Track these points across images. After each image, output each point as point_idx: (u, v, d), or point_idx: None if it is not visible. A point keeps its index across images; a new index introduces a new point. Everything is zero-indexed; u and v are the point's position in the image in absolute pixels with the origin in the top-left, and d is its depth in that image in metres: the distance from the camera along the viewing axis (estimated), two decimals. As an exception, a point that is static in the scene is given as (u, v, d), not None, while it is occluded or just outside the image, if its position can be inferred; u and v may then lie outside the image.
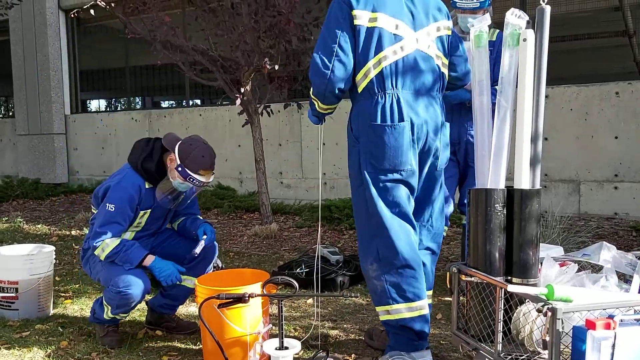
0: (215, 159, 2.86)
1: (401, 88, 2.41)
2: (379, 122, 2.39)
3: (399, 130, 2.38)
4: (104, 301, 2.92)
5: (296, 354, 2.10)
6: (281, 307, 2.15)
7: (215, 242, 3.08)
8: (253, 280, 2.82)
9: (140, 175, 2.88)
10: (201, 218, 3.20)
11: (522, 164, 2.09)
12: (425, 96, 2.46)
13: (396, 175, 2.41)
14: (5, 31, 10.08)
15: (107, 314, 2.91)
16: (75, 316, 3.47)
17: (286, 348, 2.09)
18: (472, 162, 3.72)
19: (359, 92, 2.46)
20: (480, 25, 2.32)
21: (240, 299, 2.28)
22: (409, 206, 2.48)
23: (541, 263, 2.15)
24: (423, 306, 2.47)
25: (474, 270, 2.08)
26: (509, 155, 2.17)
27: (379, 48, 2.39)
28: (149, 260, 2.82)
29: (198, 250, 2.92)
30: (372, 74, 2.40)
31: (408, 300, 2.44)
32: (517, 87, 2.13)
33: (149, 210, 2.96)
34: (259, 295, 2.39)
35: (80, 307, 3.60)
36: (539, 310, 1.72)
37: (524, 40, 2.09)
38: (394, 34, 2.40)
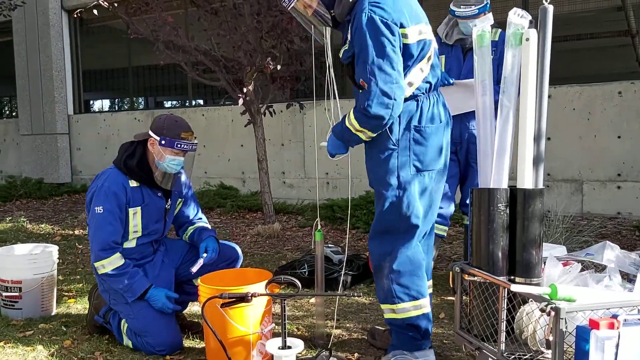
0: (188, 124, 2.93)
1: (435, 90, 2.48)
2: (424, 124, 2.41)
3: (440, 130, 2.44)
4: (124, 333, 2.95)
5: (299, 353, 2.10)
6: (284, 306, 2.15)
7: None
8: (256, 279, 2.82)
9: (123, 172, 2.91)
10: (208, 227, 3.19)
11: (525, 163, 2.08)
12: (441, 95, 2.55)
13: (435, 175, 2.47)
14: (9, 32, 10.10)
15: (125, 342, 2.95)
16: (78, 315, 3.47)
17: (289, 347, 2.09)
18: (473, 162, 3.72)
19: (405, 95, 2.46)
20: (482, 25, 2.32)
21: (243, 299, 2.29)
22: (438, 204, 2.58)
23: (544, 263, 2.15)
24: (427, 304, 2.50)
25: (477, 269, 2.08)
26: (511, 154, 2.17)
27: (422, 57, 2.39)
28: (145, 293, 2.85)
29: (195, 268, 2.93)
30: (418, 82, 2.40)
31: (413, 298, 2.47)
32: (519, 86, 2.12)
33: (139, 208, 2.94)
34: (261, 295, 2.39)
35: (83, 307, 3.61)
36: (542, 310, 1.72)
37: (527, 39, 2.09)
38: (429, 40, 2.42)
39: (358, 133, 2.39)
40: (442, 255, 4.66)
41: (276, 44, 5.44)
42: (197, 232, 3.14)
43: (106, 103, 10.67)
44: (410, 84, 2.38)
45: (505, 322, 1.95)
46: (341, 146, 2.55)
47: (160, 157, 2.87)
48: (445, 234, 3.87)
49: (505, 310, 1.94)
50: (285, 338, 2.09)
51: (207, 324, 2.36)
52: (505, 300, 1.94)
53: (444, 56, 3.75)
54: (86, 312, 3.34)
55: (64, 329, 3.21)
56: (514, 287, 1.82)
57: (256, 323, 2.64)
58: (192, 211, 3.22)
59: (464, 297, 2.25)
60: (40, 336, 3.12)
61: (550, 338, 1.70)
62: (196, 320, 3.24)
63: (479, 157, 2.21)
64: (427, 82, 2.42)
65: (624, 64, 6.09)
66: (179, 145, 2.83)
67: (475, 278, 2.09)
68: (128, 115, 9.13)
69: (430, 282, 2.72)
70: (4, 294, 3.42)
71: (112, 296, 2.95)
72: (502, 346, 1.94)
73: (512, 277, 2.09)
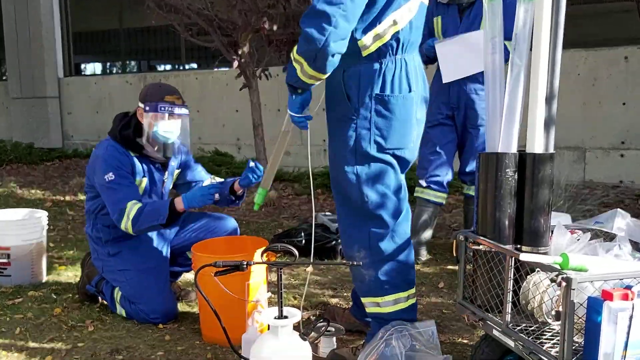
0: (176, 89, 2.80)
1: (408, 53, 2.15)
2: (388, 92, 2.11)
3: (409, 102, 2.14)
4: (117, 301, 2.86)
5: (296, 322, 2.02)
6: (280, 275, 2.06)
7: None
8: (251, 248, 2.74)
9: (121, 144, 2.78)
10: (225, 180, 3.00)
11: (536, 126, 1.97)
12: (418, 60, 2.25)
13: (400, 153, 2.19)
14: (-4, -9, 9.82)
15: (119, 311, 2.86)
16: (69, 283, 3.40)
17: (285, 317, 2.02)
18: (471, 128, 3.57)
19: (363, 55, 2.11)
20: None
21: (238, 267, 2.20)
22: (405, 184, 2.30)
23: (552, 231, 2.06)
24: (414, 293, 2.33)
25: (482, 237, 1.99)
26: (521, 117, 2.06)
27: (397, 5, 2.06)
28: (179, 204, 2.67)
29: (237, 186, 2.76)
30: (388, 36, 2.08)
31: (400, 289, 2.26)
32: (532, 44, 1.99)
33: (145, 178, 2.85)
34: (257, 263, 2.30)
35: (74, 274, 3.53)
36: (552, 280, 1.64)
37: (541, -7, 1.95)
38: None
39: (297, 64, 1.99)
40: (441, 224, 4.59)
41: (273, 4, 5.25)
42: (212, 182, 3.00)
43: (98, 66, 10.45)
44: (377, 36, 2.07)
45: (511, 292, 1.86)
46: (295, 103, 2.14)
47: (150, 126, 2.74)
48: (444, 202, 3.75)
49: (511, 280, 1.85)
50: (281, 307, 2.01)
51: (201, 292, 2.28)
52: (512, 269, 1.85)
53: (439, 17, 3.50)
54: (77, 279, 3.26)
55: (54, 297, 3.13)
56: (523, 256, 1.73)
57: (252, 292, 2.57)
58: (200, 174, 3.09)
59: (468, 267, 2.17)
60: (29, 303, 3.04)
61: (560, 309, 1.62)
62: (190, 289, 3.16)
63: (487, 119, 2.09)
64: (397, 39, 2.09)
65: (631, 28, 5.93)
66: (162, 109, 2.69)
67: (480, 247, 1.99)
68: (120, 79, 8.93)
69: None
70: (-8, 260, 3.33)
71: (104, 264, 2.86)
72: (508, 317, 1.86)
73: (519, 246, 2.00)
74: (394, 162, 2.20)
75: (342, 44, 1.95)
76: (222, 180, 2.97)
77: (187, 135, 2.92)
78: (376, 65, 2.12)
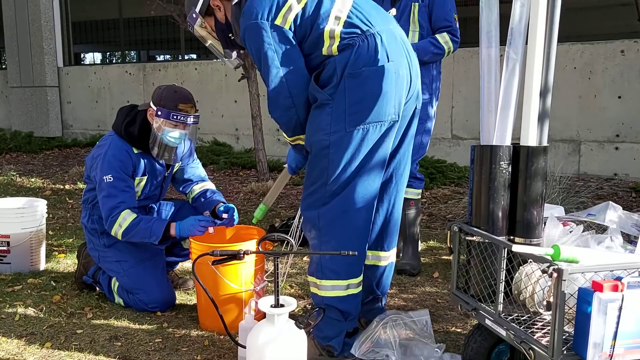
0: (191, 95, 2.78)
1: (377, 27, 2.11)
2: (361, 66, 2.05)
3: (386, 71, 2.06)
4: (115, 292, 2.89)
5: (292, 311, 2.05)
6: (277, 264, 2.09)
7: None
8: (248, 237, 2.77)
9: (126, 140, 2.78)
10: (216, 190, 3.06)
11: (530, 119, 1.99)
12: (399, 33, 2.21)
13: (379, 128, 2.11)
14: (-5, -21, 9.78)
15: (117, 300, 2.89)
16: (68, 270, 3.43)
17: (282, 305, 2.04)
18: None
19: (334, 54, 2.12)
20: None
21: (235, 256, 2.22)
22: (383, 164, 2.21)
23: (544, 223, 2.09)
24: (356, 284, 2.25)
25: (476, 229, 2.02)
26: (516, 110, 2.08)
27: (328, 6, 2.09)
28: (173, 229, 2.68)
29: (211, 230, 2.71)
30: (339, 29, 2.08)
31: (339, 277, 2.21)
32: (527, 38, 2.02)
33: (145, 177, 2.86)
34: (254, 253, 2.33)
35: (73, 262, 3.56)
36: (544, 271, 1.67)
37: (537, -12, 1.97)
38: None
39: (297, 141, 2.29)
40: (436, 215, 4.63)
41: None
42: (206, 193, 3.02)
43: (97, 56, 10.43)
44: (331, 38, 2.08)
45: (503, 282, 1.89)
46: (300, 157, 2.42)
47: (159, 129, 2.72)
48: (419, 197, 3.47)
49: (504, 271, 1.89)
50: (278, 296, 2.04)
51: (198, 281, 2.31)
52: (505, 260, 1.88)
53: None
54: (76, 267, 3.29)
55: (53, 284, 3.16)
56: (516, 248, 1.76)
57: (248, 281, 2.60)
58: (195, 170, 3.11)
59: (461, 257, 2.20)
60: (29, 291, 3.07)
61: (551, 300, 1.65)
62: (188, 277, 3.19)
63: (482, 112, 2.12)
64: (350, 24, 2.08)
65: (628, 22, 5.94)
66: (174, 117, 2.68)
67: (474, 238, 2.02)
68: (119, 69, 8.92)
69: (391, 252, 2.46)
70: (-8, 248, 3.36)
71: (101, 254, 2.89)
72: (500, 307, 1.89)
73: (512, 237, 2.03)
74: (371, 137, 2.11)
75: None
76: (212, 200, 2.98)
77: (194, 139, 2.94)
78: (348, 51, 2.09)
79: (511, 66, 2.03)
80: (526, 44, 2.02)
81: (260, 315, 2.60)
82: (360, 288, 2.27)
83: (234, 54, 2.54)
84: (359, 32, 2.09)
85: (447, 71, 6.27)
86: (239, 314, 2.61)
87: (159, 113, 2.69)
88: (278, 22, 2.09)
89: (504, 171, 2.00)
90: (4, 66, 10.48)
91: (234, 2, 2.26)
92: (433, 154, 6.39)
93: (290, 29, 2.11)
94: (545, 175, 2.03)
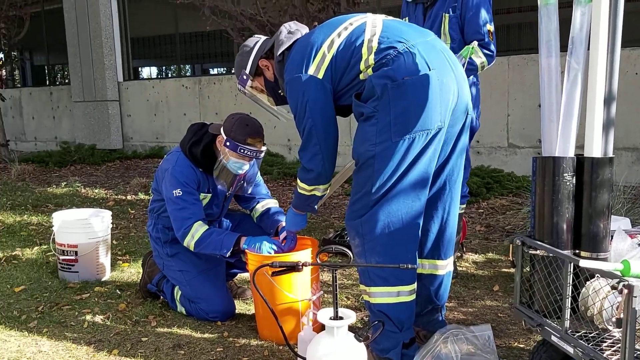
0: (261, 128, 2.79)
1: (410, 40, 2.13)
2: (403, 76, 2.07)
3: (430, 79, 2.06)
4: (177, 300, 2.97)
5: (351, 323, 2.06)
6: (335, 276, 2.11)
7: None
8: (302, 246, 2.79)
9: (189, 159, 2.85)
10: (279, 209, 3.10)
11: (594, 129, 1.94)
12: (438, 43, 2.23)
13: (425, 136, 2.09)
14: (59, -1, 10.27)
15: (179, 309, 2.97)
16: (132, 279, 3.55)
17: (341, 318, 2.06)
18: None
19: (370, 75, 2.16)
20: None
21: (294, 268, 2.26)
22: (429, 172, 2.19)
23: (611, 236, 2.03)
24: (408, 291, 2.23)
25: (539, 242, 1.98)
26: (579, 120, 2.03)
27: (359, 43, 2.18)
28: (242, 241, 2.74)
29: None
30: (372, 58, 2.14)
31: (388, 283, 2.20)
32: (589, 47, 1.97)
33: (209, 195, 2.92)
34: (313, 264, 2.36)
35: (137, 271, 3.68)
36: (613, 287, 1.62)
37: (599, -4, 1.92)
38: (360, 24, 2.23)
39: (311, 193, 2.41)
40: (494, 226, 4.54)
41: (323, 7, 5.31)
42: (269, 212, 3.07)
43: (154, 70, 10.78)
44: (367, 68, 2.14)
45: (570, 298, 1.85)
46: (303, 219, 2.61)
47: (225, 157, 2.78)
48: (462, 211, 3.33)
49: (570, 286, 1.84)
50: (337, 308, 2.05)
51: (259, 292, 2.35)
52: (571, 275, 1.84)
53: (406, 18, 3.35)
54: (139, 276, 3.40)
55: (119, 293, 3.28)
56: (583, 263, 1.71)
57: (304, 290, 2.62)
58: (258, 188, 3.15)
59: (524, 271, 2.16)
60: (95, 299, 3.20)
61: (621, 316, 1.60)
62: (246, 287, 3.25)
63: (543, 122, 2.08)
64: (387, 48, 2.12)
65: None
66: (242, 151, 2.72)
67: (538, 251, 1.98)
68: (175, 82, 9.19)
69: (449, 261, 2.43)
70: (61, 257, 3.52)
71: (165, 263, 2.98)
72: (567, 323, 1.84)
73: (577, 251, 1.98)
74: (417, 145, 2.11)
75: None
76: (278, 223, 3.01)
77: (259, 164, 3.01)
78: (384, 67, 2.12)
79: (573, 76, 1.99)
80: (588, 49, 1.98)
81: (318, 326, 2.62)
82: (413, 296, 2.26)
83: (285, 109, 2.60)
84: (393, 50, 2.13)
85: (502, 79, 6.17)
86: (296, 324, 2.63)
87: (227, 144, 2.72)
88: (312, 71, 2.21)
89: (567, 183, 1.96)
90: (67, 81, 10.96)
91: (277, 61, 2.38)
92: (489, 163, 6.28)
93: (324, 77, 2.21)
94: (612, 186, 1.97)
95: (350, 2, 5.32)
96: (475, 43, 3.02)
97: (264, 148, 2.80)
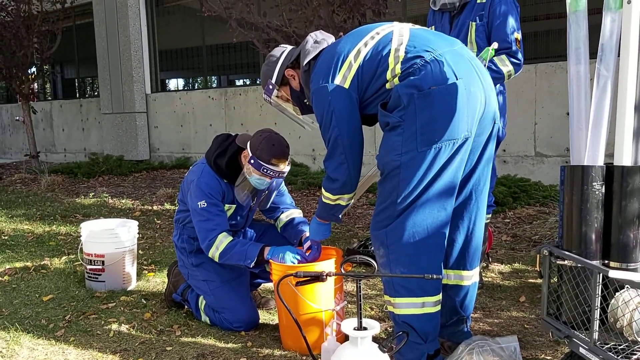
0: (287, 148, 2.77)
1: (438, 49, 2.12)
2: (428, 87, 2.05)
3: (457, 88, 2.04)
4: (202, 310, 2.98)
5: (375, 334, 2.04)
6: (359, 286, 2.09)
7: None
8: (326, 256, 2.78)
9: (214, 170, 2.87)
10: (303, 219, 3.09)
11: (624, 137, 1.90)
12: (466, 52, 2.21)
13: (452, 146, 2.08)
14: (89, 13, 10.51)
15: (203, 318, 2.99)
16: (157, 289, 3.58)
17: (365, 328, 2.04)
18: None
19: (397, 84, 2.15)
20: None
21: (318, 278, 2.25)
22: (455, 182, 2.16)
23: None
24: (433, 302, 2.21)
25: (567, 252, 1.94)
26: (608, 128, 1.99)
27: (386, 52, 2.17)
28: (266, 251, 2.74)
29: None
30: (398, 67, 2.13)
31: (413, 294, 2.18)
32: (619, 54, 1.94)
33: (234, 206, 2.93)
34: (337, 274, 2.35)
35: (162, 280, 3.71)
36: (644, 299, 1.57)
37: (628, 2, 1.89)
38: (384, 35, 2.23)
39: (336, 202, 2.41)
40: (521, 236, 4.47)
41: (348, 18, 5.32)
42: (293, 222, 3.07)
43: (181, 82, 10.94)
44: (393, 77, 2.14)
45: (599, 309, 1.80)
46: (327, 228, 2.61)
47: (248, 172, 2.78)
48: (487, 220, 3.32)
49: (599, 297, 1.79)
50: (360, 319, 2.04)
51: (283, 302, 2.35)
52: (600, 286, 1.79)
53: (433, 27, 3.33)
54: (164, 286, 3.43)
55: (144, 302, 3.31)
56: (613, 273, 1.67)
57: (328, 300, 2.61)
58: (282, 198, 3.16)
59: (552, 282, 2.11)
60: (121, 308, 3.23)
61: (653, 329, 1.56)
62: (270, 297, 3.25)
63: (572, 131, 2.04)
64: (414, 57, 2.11)
65: None
66: (265, 170, 2.71)
67: (566, 262, 1.94)
68: (202, 94, 9.31)
69: (474, 271, 2.41)
70: (88, 267, 3.57)
71: (190, 272, 3.00)
72: (595, 335, 1.80)
73: (607, 262, 1.93)
74: (443, 155, 2.09)
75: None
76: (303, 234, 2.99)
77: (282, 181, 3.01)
78: (411, 76, 2.10)
79: (602, 83, 1.96)
80: (618, 56, 1.95)
81: (342, 336, 2.60)
82: (438, 307, 2.24)
83: (310, 118, 2.61)
84: (420, 59, 2.11)
85: (529, 87, 6.09)
86: (319, 334, 2.62)
87: (252, 161, 2.72)
88: (338, 81, 2.20)
89: (596, 192, 1.92)
90: (96, 93, 11.19)
91: (303, 70, 2.38)
92: (516, 172, 6.20)
93: (350, 86, 2.21)
94: (642, 195, 1.92)
95: (376, 12, 5.32)
96: (495, 44, 2.99)
97: (287, 168, 2.78)
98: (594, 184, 1.91)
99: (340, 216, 2.54)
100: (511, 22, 3.08)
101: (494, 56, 2.99)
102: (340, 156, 2.28)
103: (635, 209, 1.90)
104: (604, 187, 1.93)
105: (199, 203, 2.81)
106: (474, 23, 3.12)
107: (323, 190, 2.42)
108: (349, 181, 2.34)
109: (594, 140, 1.96)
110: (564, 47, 2.09)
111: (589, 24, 2.06)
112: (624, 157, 1.92)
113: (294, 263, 2.67)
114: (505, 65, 3.05)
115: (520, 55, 3.10)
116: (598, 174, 1.92)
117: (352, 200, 2.53)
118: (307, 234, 2.87)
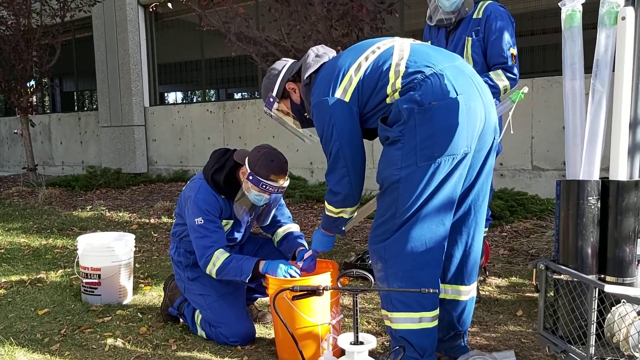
0: (286, 163, 2.78)
1: (438, 64, 2.13)
2: (428, 102, 2.06)
3: (458, 104, 2.05)
4: (198, 324, 2.97)
5: (371, 349, 2.03)
6: (356, 300, 2.09)
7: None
8: (322, 270, 2.77)
9: (211, 186, 2.87)
10: (300, 233, 3.09)
11: (619, 152, 1.92)
12: (467, 68, 2.22)
13: (451, 161, 2.09)
14: (89, 27, 10.56)
15: (199, 333, 2.97)
16: (153, 303, 3.56)
17: (361, 343, 2.03)
18: None
19: (397, 98, 2.16)
20: (572, 4, 2.14)
21: (315, 292, 2.24)
22: (454, 197, 2.17)
23: (638, 261, 1.98)
24: (430, 317, 2.22)
25: (563, 267, 1.94)
26: (603, 143, 2.01)
27: (386, 68, 2.18)
28: (261, 265, 2.74)
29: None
30: (398, 82, 2.14)
31: (410, 309, 2.18)
32: (614, 69, 1.95)
33: (231, 221, 2.93)
34: (333, 289, 2.34)
35: (158, 294, 3.70)
36: (639, 313, 1.58)
37: (623, 18, 1.91)
38: (386, 49, 2.24)
39: (339, 215, 2.44)
40: (518, 250, 4.47)
41: (346, 33, 5.36)
42: (289, 236, 3.06)
43: (179, 95, 10.98)
44: (394, 92, 2.15)
45: (595, 324, 1.80)
46: (330, 240, 2.65)
47: (247, 189, 2.78)
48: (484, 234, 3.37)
49: (595, 312, 1.79)
50: (357, 333, 2.03)
51: (280, 317, 2.34)
52: (596, 300, 1.79)
53: (429, 42, 3.34)
54: (161, 299, 3.42)
55: (140, 316, 3.29)
56: (609, 288, 1.67)
57: (324, 314, 2.60)
58: (280, 212, 3.15)
59: (549, 295, 2.11)
60: (117, 322, 3.21)
61: (650, 344, 1.56)
62: (266, 311, 3.24)
63: (567, 146, 2.05)
64: (414, 72, 2.12)
65: None
66: (263, 186, 2.71)
67: (562, 276, 1.94)
68: (200, 107, 9.33)
69: (472, 286, 2.41)
70: (85, 280, 3.55)
71: (186, 286, 2.99)
72: (592, 350, 1.80)
73: (603, 276, 1.94)
74: (442, 170, 2.09)
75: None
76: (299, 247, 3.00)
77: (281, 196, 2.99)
78: (411, 92, 2.11)
79: (597, 98, 1.98)
80: (612, 71, 1.96)
81: (338, 350, 2.59)
82: (435, 322, 2.23)
83: (310, 131, 2.63)
84: (421, 74, 2.12)
85: (526, 101, 6.12)
86: (316, 349, 2.61)
87: (250, 177, 2.71)
88: (338, 95, 2.22)
89: (592, 207, 1.93)
90: (95, 107, 11.22)
91: (304, 84, 2.40)
92: (513, 185, 6.21)
93: (351, 100, 2.22)
94: (638, 210, 1.93)
95: (373, 27, 5.36)
96: (525, 89, 3.02)
97: (286, 184, 2.78)
98: (589, 198, 1.92)
99: (343, 229, 2.54)
100: (507, 37, 3.11)
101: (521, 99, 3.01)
102: (341, 169, 2.29)
103: (631, 223, 1.91)
104: (599, 201, 1.94)
105: (196, 220, 2.80)
106: (470, 38, 3.15)
107: (326, 203, 2.43)
108: (351, 194, 2.34)
109: (589, 155, 1.98)
110: (560, 62, 2.11)
111: (584, 38, 2.09)
112: (620, 172, 1.93)
113: (285, 277, 2.67)
114: (501, 80, 3.08)
115: (516, 70, 3.13)
116: (594, 189, 1.93)
117: (354, 219, 2.58)
118: (302, 248, 2.88)
